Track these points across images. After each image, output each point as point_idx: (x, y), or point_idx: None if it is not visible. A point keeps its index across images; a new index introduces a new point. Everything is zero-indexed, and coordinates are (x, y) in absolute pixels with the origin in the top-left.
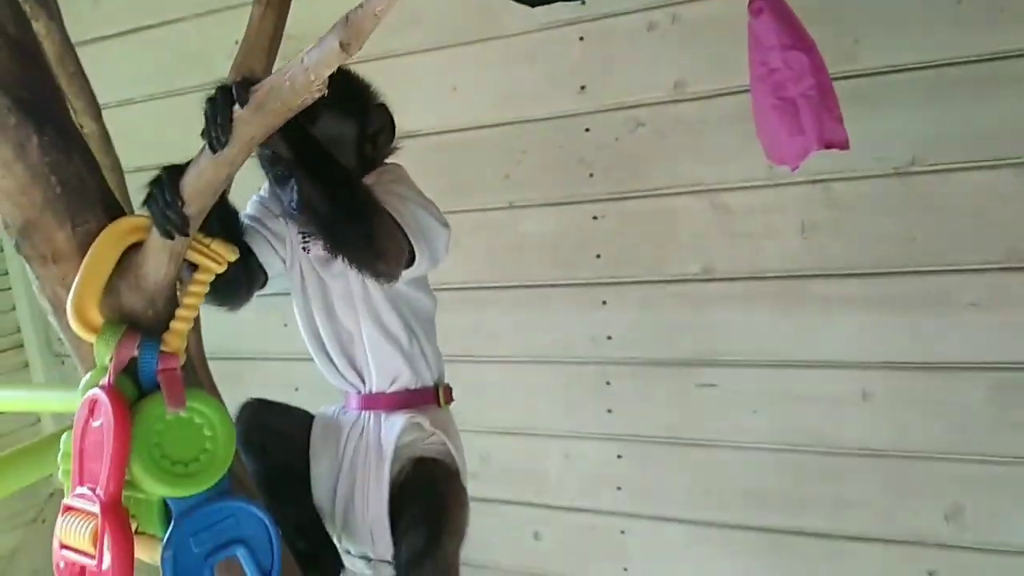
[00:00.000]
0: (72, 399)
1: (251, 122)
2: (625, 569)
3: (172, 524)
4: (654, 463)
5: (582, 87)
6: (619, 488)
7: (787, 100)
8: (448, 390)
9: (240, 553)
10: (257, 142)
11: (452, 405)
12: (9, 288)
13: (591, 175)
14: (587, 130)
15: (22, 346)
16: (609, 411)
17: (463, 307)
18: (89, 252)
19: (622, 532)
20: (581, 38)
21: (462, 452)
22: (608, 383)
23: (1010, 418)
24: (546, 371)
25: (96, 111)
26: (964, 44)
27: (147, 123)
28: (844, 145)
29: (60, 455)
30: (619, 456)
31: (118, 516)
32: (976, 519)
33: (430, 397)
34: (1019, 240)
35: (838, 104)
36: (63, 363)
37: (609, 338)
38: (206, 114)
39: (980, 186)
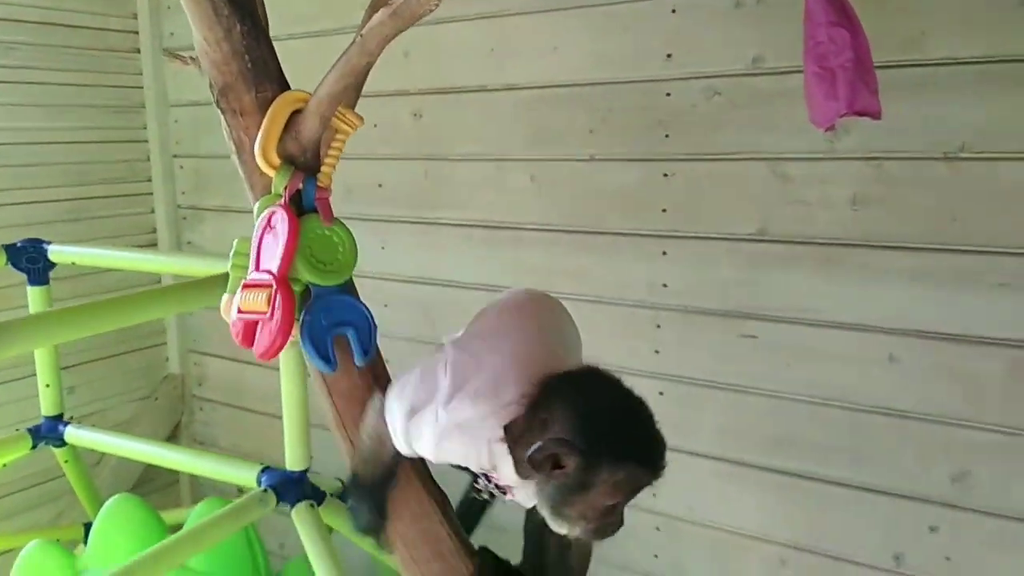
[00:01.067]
0: (193, 264)
1: (387, 24)
2: (654, 495)
3: (311, 300)
4: (692, 402)
5: (668, 55)
6: (658, 422)
7: (827, 69)
8: None
9: (349, 333)
10: (390, 40)
11: None
12: (151, 193)
13: (667, 136)
14: (668, 95)
15: (155, 245)
16: (657, 352)
17: (544, 246)
18: (268, 112)
19: None
20: (673, 11)
21: None
22: (658, 326)
23: (1023, 392)
24: (605, 311)
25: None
26: (1022, 43)
27: (291, 61)
28: (876, 115)
29: (232, 254)
30: (661, 393)
31: (286, 284)
32: (980, 483)
33: None
34: None
35: (876, 79)
36: None
37: (664, 286)
38: None
39: (1022, 176)
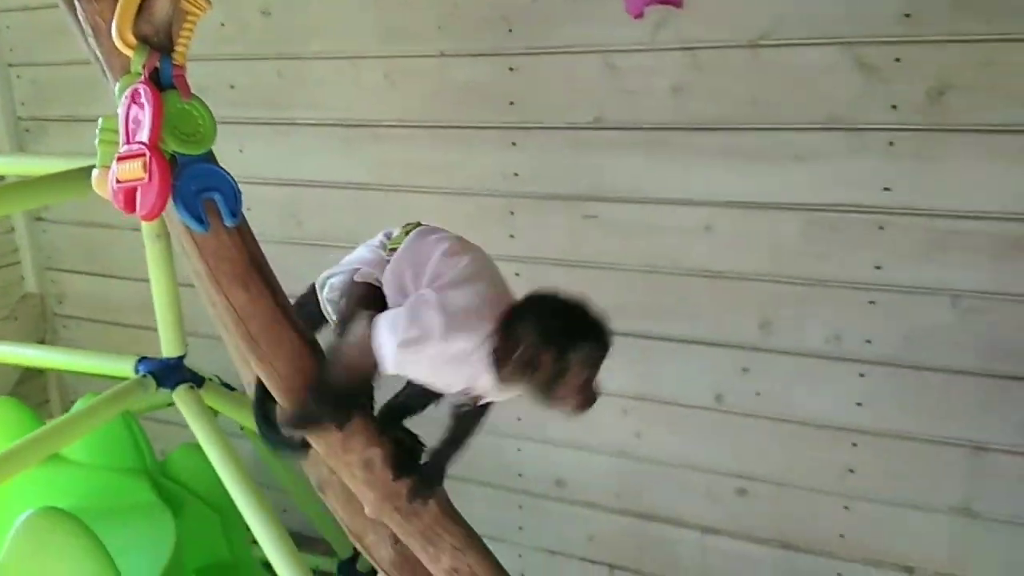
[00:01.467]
0: (40, 164)
1: None
2: None
3: (179, 169)
4: (545, 280)
5: None
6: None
7: None
8: None
9: (217, 197)
10: None
11: None
12: None
13: (510, 31)
14: None
15: None
16: (512, 236)
17: (402, 142)
18: None
19: None
20: None
21: None
22: (512, 213)
23: (814, 249)
24: (462, 201)
25: None
26: None
27: None
28: (678, 3)
29: (99, 130)
30: (517, 274)
31: (158, 151)
32: (781, 328)
33: None
34: (837, 107)
35: None
36: None
37: (516, 175)
38: None
39: (812, 60)
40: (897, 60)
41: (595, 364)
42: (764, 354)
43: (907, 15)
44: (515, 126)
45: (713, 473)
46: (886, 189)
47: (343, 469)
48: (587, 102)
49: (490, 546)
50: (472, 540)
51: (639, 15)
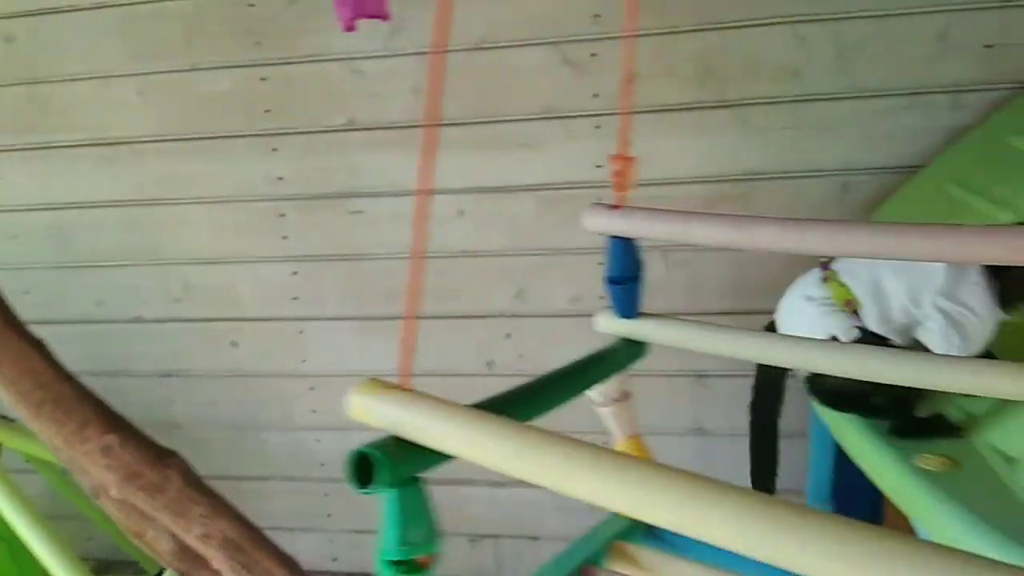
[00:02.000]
0: None
1: None
2: (304, 360)
3: None
4: (321, 275)
5: None
6: (295, 298)
7: None
8: None
9: None
10: None
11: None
12: None
13: (258, 43)
14: (252, 6)
15: None
16: (285, 238)
17: (163, 156)
18: None
19: (300, 332)
20: None
21: None
22: (282, 215)
23: (549, 222)
24: (232, 209)
25: None
26: None
27: None
28: (385, 17)
29: None
30: (294, 273)
31: None
32: (532, 295)
33: None
34: (551, 100)
35: None
36: None
37: (280, 179)
38: None
39: (527, 60)
40: (593, 55)
41: None
42: (521, 320)
43: (597, 15)
44: (273, 133)
45: None
46: (598, 166)
47: (84, 459)
48: (339, 106)
49: (302, 535)
50: (220, 507)
51: (350, 28)
